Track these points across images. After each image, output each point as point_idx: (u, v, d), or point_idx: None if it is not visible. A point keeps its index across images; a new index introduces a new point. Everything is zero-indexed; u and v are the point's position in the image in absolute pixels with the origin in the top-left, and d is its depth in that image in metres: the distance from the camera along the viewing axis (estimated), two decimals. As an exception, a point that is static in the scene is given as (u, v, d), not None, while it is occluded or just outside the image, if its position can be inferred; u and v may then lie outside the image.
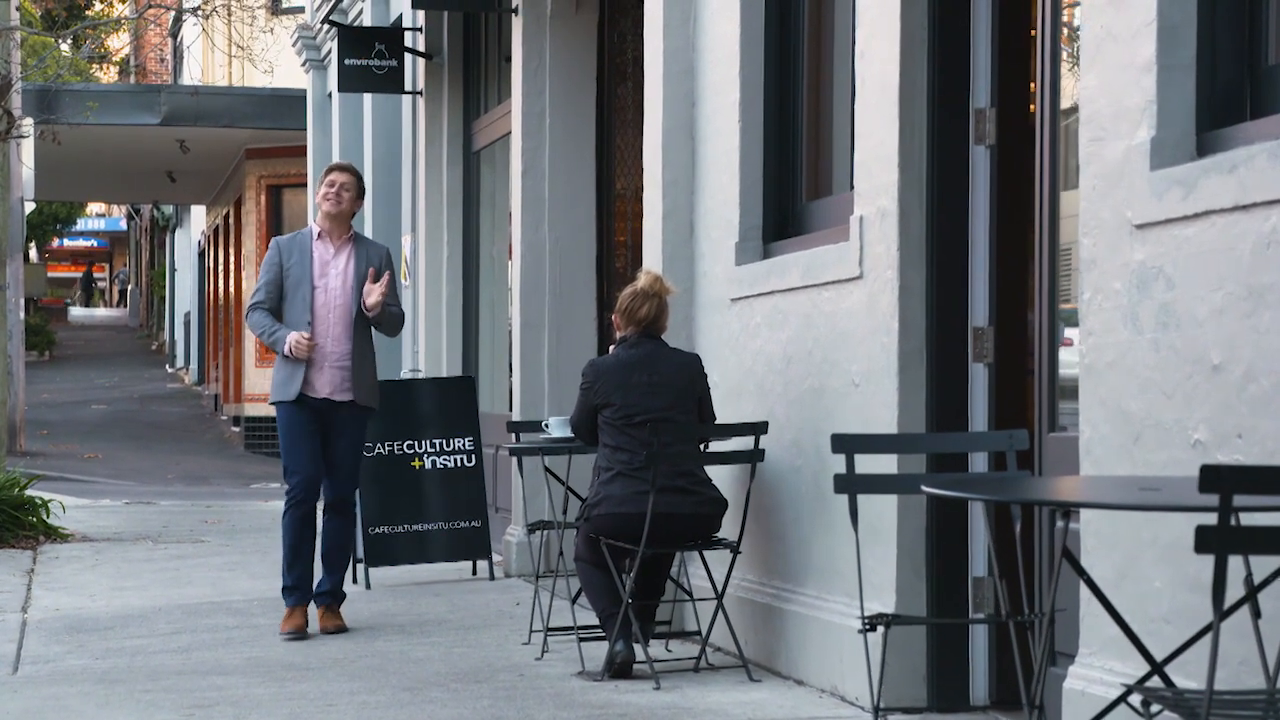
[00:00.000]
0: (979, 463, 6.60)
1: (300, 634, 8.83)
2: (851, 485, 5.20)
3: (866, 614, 5.66)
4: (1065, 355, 5.95)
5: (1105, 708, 4.17)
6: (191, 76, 30.36)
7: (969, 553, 6.60)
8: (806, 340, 7.42)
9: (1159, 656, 4.41)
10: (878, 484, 5.63)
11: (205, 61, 31.45)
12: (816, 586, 7.31)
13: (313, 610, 9.08)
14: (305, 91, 20.31)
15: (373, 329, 9.04)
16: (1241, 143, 4.84)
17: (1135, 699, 4.02)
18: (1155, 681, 4.14)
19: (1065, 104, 5.97)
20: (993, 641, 6.49)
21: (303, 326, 8.83)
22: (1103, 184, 5.32)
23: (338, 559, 9.16)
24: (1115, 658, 5.16)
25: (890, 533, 6.62)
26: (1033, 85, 6.60)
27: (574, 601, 8.06)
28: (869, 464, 6.26)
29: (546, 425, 8.33)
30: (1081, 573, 4.02)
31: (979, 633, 6.49)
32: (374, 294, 8.81)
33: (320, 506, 9.07)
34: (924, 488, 4.12)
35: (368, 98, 16.25)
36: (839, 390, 7.13)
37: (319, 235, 8.97)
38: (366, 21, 16.12)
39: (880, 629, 5.12)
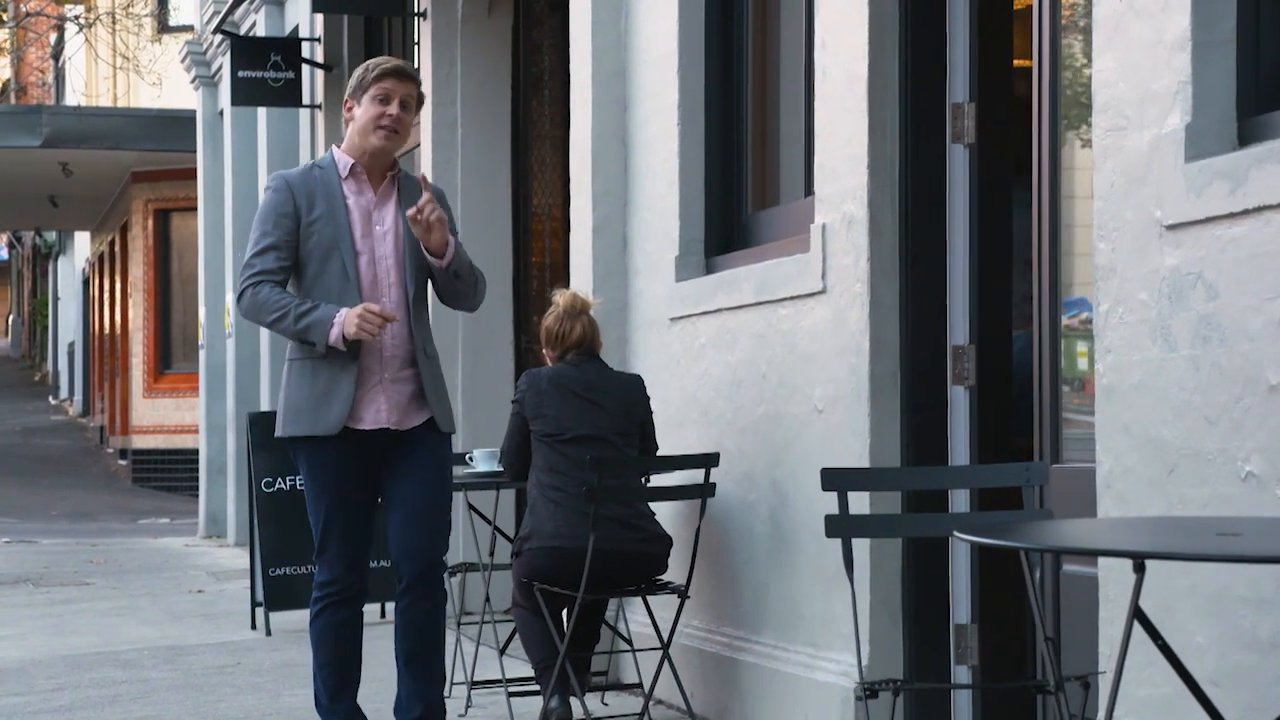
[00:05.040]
0: (959, 501, 5.92)
1: None
2: (846, 528, 4.49)
3: (838, 670, 4.99)
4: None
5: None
6: (75, 92, 29.32)
7: (949, 599, 5.93)
8: (760, 362, 6.73)
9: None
10: (878, 526, 4.90)
11: (89, 76, 30.40)
12: (774, 635, 6.61)
13: None
14: (195, 111, 19.45)
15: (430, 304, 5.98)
16: (1298, 128, 4.19)
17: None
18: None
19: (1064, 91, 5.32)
20: (977, 704, 5.79)
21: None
22: (1124, 180, 4.66)
23: (428, 666, 5.95)
24: (1149, 723, 4.49)
25: (863, 577, 5.93)
26: (1017, 76, 5.99)
27: (502, 652, 7.32)
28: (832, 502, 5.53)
29: (470, 458, 7.59)
30: (1156, 637, 3.34)
31: (961, 695, 5.78)
32: (430, 215, 5.68)
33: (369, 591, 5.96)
34: (957, 534, 3.43)
35: (262, 114, 15.45)
36: (799, 417, 6.44)
37: (350, 172, 5.88)
38: (261, 32, 15.32)
39: (884, 695, 4.37)
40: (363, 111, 5.83)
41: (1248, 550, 3.15)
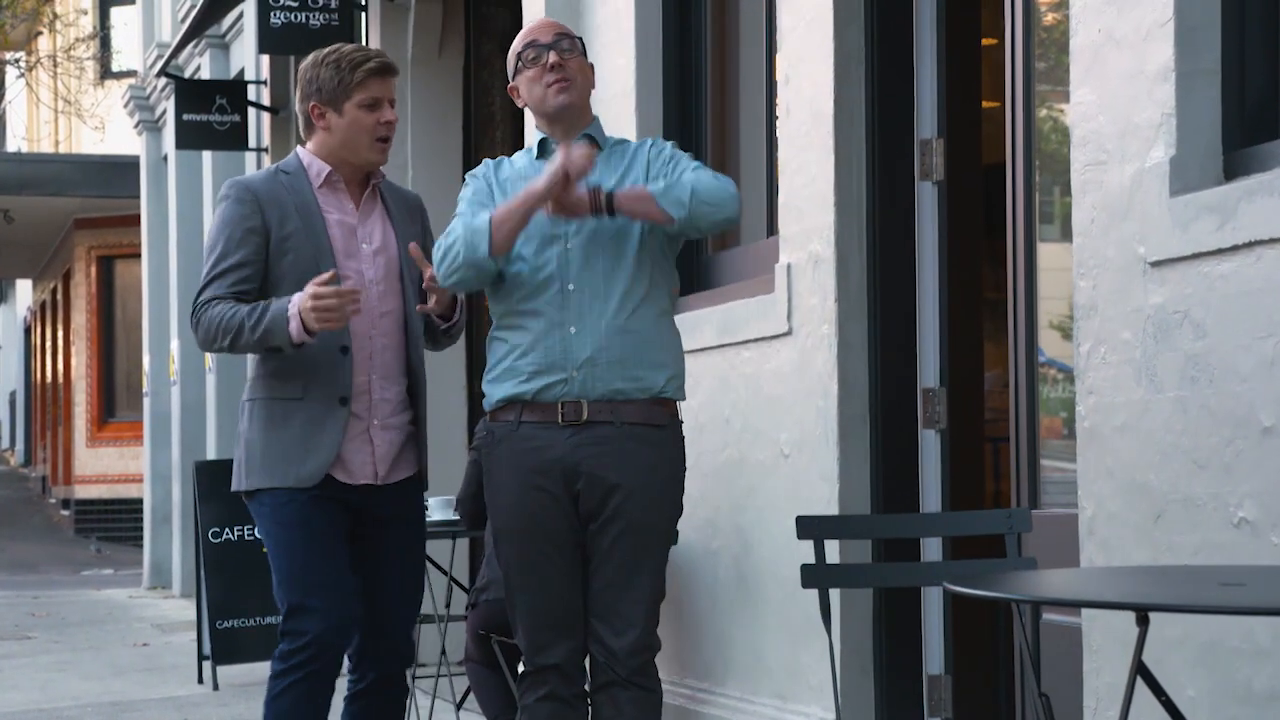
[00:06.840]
0: (930, 547, 5.75)
1: None
2: (823, 578, 4.32)
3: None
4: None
5: None
6: (16, 137, 29.01)
7: (922, 648, 5.76)
8: (723, 405, 6.56)
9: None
10: (857, 576, 4.73)
11: (31, 121, 30.07)
12: (740, 686, 6.42)
13: None
14: (138, 156, 19.21)
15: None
16: (1288, 161, 4.05)
17: None
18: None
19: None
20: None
21: (329, 353, 4.76)
22: (1105, 215, 4.51)
23: None
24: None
25: (833, 626, 5.73)
26: (985, 112, 5.86)
27: (459, 706, 7.12)
28: (808, 550, 5.34)
29: (425, 507, 7.37)
30: (1160, 693, 3.17)
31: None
32: (430, 273, 4.68)
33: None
34: (949, 586, 3.26)
35: (207, 158, 15.23)
36: (764, 462, 6.27)
37: (326, 179, 4.84)
38: (206, 75, 15.12)
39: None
40: (348, 121, 4.77)
41: (1256, 602, 2.99)
